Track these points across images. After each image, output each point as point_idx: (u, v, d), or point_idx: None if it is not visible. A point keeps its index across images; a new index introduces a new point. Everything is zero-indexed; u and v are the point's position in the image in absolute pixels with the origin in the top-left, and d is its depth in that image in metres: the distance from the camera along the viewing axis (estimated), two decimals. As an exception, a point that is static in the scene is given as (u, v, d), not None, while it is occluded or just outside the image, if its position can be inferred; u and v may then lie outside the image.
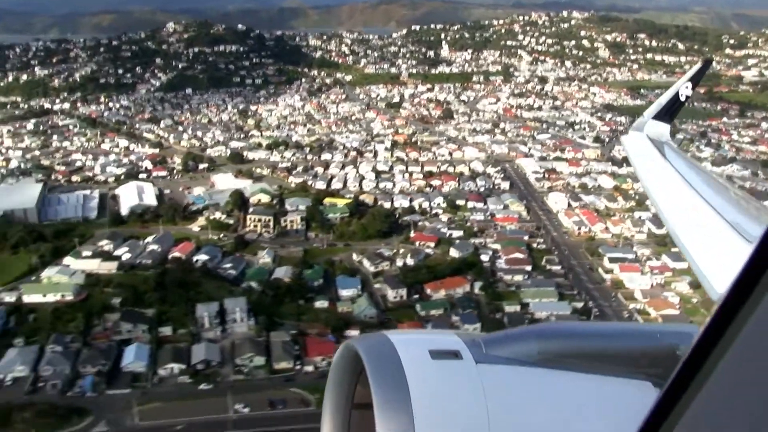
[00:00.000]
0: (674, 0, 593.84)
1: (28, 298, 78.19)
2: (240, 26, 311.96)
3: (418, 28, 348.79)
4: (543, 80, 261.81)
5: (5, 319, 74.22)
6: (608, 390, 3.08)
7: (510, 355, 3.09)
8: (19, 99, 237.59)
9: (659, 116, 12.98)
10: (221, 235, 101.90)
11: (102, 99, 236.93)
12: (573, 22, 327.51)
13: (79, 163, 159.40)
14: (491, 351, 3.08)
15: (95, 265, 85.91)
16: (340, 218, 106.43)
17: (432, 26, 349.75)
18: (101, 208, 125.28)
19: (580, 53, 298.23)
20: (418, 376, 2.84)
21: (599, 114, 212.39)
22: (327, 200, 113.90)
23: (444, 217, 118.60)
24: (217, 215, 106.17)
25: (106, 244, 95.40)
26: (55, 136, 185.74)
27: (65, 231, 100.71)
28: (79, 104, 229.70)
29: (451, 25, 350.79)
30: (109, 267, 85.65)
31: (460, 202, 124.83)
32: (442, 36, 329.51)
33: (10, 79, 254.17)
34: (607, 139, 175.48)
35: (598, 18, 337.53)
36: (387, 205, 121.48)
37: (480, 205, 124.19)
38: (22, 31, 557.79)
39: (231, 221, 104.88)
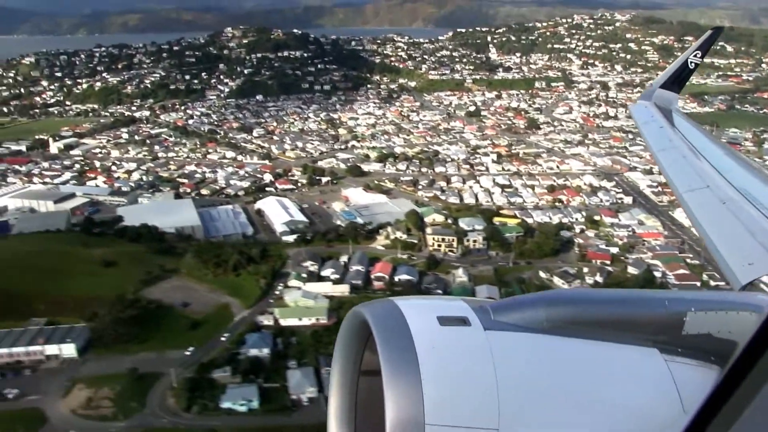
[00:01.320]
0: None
1: (284, 322, 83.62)
2: (296, 30, 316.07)
3: (463, 30, 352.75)
4: (605, 86, 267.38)
5: (274, 342, 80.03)
6: (615, 357, 3.15)
7: (518, 321, 3.12)
8: (95, 106, 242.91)
9: (667, 85, 13.37)
10: (409, 255, 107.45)
11: (177, 105, 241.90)
12: (617, 24, 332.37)
13: (198, 176, 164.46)
14: (499, 318, 3.13)
15: (329, 288, 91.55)
16: (515, 236, 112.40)
17: (477, 29, 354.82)
18: (251, 223, 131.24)
19: (629, 56, 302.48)
20: (426, 342, 2.88)
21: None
22: (496, 219, 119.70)
23: (589, 233, 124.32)
24: (398, 234, 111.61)
25: (311, 265, 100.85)
26: (156, 146, 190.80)
27: (264, 251, 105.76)
28: (158, 111, 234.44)
29: (496, 27, 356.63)
30: (342, 290, 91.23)
31: (596, 218, 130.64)
32: (489, 39, 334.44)
33: (84, 86, 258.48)
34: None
35: (642, 19, 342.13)
36: (529, 221, 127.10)
37: (615, 220, 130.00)
38: (51, 32, 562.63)
39: (414, 240, 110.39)
